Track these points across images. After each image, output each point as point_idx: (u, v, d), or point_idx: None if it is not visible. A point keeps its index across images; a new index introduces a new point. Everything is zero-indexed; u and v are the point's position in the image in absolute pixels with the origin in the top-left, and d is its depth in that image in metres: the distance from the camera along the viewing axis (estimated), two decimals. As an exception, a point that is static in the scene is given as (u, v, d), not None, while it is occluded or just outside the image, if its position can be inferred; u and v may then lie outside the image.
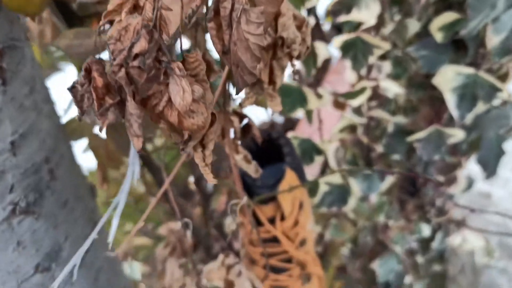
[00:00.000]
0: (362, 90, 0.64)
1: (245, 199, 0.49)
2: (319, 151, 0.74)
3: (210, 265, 0.36)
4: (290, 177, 0.50)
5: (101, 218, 0.35)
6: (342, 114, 0.75)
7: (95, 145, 0.43)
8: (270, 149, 0.56)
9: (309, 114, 0.77)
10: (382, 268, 0.76)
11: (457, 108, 0.57)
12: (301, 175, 0.54)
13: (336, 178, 0.74)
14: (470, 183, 0.78)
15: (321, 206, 0.76)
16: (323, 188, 0.75)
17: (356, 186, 0.71)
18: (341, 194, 0.76)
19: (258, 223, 0.52)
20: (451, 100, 0.57)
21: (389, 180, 0.70)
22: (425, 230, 0.84)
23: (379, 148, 0.70)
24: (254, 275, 0.37)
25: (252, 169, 0.33)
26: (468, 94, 0.57)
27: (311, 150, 0.74)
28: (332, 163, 0.69)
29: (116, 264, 0.47)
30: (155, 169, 0.45)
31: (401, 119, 0.68)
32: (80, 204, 0.41)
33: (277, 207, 0.51)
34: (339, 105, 0.72)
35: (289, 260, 0.53)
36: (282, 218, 0.51)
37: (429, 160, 0.62)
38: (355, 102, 0.61)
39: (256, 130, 0.34)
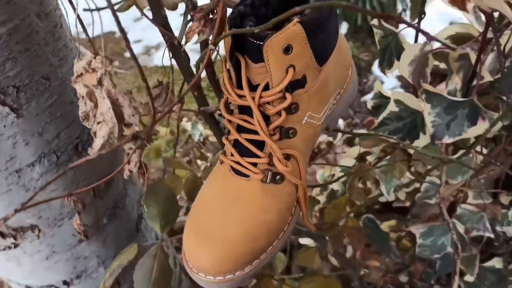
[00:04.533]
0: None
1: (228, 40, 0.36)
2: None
3: (79, 63, 0.26)
4: (292, 31, 0.34)
5: None
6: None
7: None
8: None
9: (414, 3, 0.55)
10: (424, 238, 0.56)
11: None
12: (322, 43, 0.37)
13: (411, 99, 0.53)
14: None
15: (379, 130, 0.57)
16: (390, 107, 0.56)
17: (431, 118, 0.50)
18: (412, 123, 0.55)
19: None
20: None
21: (483, 126, 0.46)
22: (519, 226, 0.58)
23: (487, 76, 0.46)
24: (127, 99, 0.26)
25: None
26: None
27: (393, 49, 0.54)
28: (405, 73, 0.49)
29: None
30: None
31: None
32: None
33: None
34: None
35: (261, 146, 0.40)
36: (268, 87, 0.37)
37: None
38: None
39: None
